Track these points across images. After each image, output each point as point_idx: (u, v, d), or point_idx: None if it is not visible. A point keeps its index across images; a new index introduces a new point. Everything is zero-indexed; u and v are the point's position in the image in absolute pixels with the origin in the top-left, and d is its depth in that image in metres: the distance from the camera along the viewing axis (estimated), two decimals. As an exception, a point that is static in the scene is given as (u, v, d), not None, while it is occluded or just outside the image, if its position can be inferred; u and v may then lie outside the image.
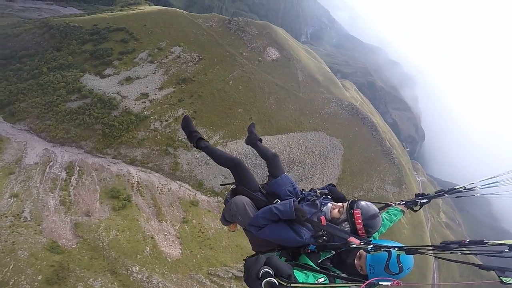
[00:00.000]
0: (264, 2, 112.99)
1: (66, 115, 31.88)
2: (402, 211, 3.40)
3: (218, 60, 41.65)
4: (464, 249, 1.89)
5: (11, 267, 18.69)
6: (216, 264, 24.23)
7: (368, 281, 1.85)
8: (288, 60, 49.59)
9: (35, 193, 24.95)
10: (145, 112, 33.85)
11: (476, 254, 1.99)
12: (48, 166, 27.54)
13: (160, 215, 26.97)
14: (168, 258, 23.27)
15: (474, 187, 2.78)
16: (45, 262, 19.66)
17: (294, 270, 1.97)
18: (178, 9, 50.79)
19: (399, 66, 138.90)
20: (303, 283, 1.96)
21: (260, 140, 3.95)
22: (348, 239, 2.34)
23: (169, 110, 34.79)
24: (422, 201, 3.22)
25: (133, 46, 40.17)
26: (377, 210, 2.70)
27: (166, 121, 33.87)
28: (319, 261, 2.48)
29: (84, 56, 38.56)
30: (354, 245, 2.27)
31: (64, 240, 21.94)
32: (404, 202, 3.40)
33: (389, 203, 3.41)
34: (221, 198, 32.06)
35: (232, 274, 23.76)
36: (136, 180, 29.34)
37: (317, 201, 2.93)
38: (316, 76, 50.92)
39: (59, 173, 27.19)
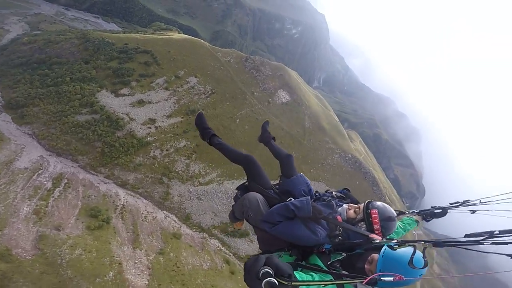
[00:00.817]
0: (283, 44, 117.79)
1: (71, 127, 31.94)
2: (416, 221, 3.40)
3: (229, 96, 42.29)
4: (496, 239, 1.79)
5: None
6: (184, 302, 22.14)
7: (370, 277, 1.80)
8: (298, 105, 50.05)
9: (12, 197, 23.89)
10: (148, 138, 33.67)
11: (508, 244, 1.82)
12: (37, 173, 26.82)
13: (136, 242, 25.50)
14: (130, 287, 21.44)
15: (490, 201, 2.74)
16: None
17: (298, 273, 1.94)
18: (202, 41, 52.98)
19: (406, 119, 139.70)
20: (303, 281, 1.88)
21: (274, 138, 3.88)
22: (370, 235, 2.32)
23: (172, 140, 34.56)
24: (436, 211, 3.24)
25: (153, 70, 41.33)
26: (394, 213, 2.65)
27: (167, 150, 33.51)
28: (329, 263, 2.38)
29: (107, 73, 39.62)
30: (377, 241, 2.24)
31: (20, 249, 20.50)
32: (418, 211, 3.44)
33: (404, 211, 3.45)
34: (206, 235, 30.54)
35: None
36: (122, 203, 28.35)
37: (333, 202, 2.87)
38: (323, 124, 50.84)
39: (45, 182, 26.38)
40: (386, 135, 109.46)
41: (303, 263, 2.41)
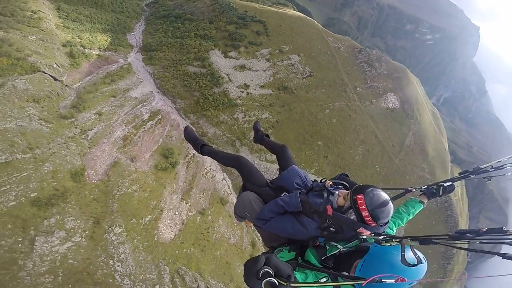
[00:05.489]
0: (408, 48, 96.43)
1: (181, 74, 34.91)
2: (421, 202, 3.00)
3: (327, 83, 36.93)
4: (482, 238, 1.68)
5: (28, 174, 17.67)
6: (191, 267, 20.79)
7: (370, 278, 1.70)
8: (406, 116, 39.91)
9: (114, 119, 25.52)
10: (237, 101, 33.43)
11: (495, 243, 1.74)
12: (142, 104, 29.39)
13: (187, 195, 25.07)
14: (156, 236, 20.77)
15: (504, 165, 2.56)
16: (55, 183, 18.47)
17: (298, 273, 1.89)
18: (316, 22, 48.08)
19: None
20: (303, 282, 1.84)
21: (267, 135, 3.76)
22: (358, 230, 2.13)
23: (257, 109, 33.21)
24: (445, 184, 2.91)
25: (262, 40, 40.32)
26: (387, 197, 2.22)
27: (249, 117, 32.48)
28: (323, 258, 2.23)
29: (224, 34, 41.20)
30: (365, 236, 2.07)
31: (93, 171, 20.89)
32: (426, 187, 3.07)
33: (410, 188, 3.14)
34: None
35: (198, 286, 19.93)
36: (194, 152, 29.04)
37: (325, 191, 2.64)
38: (427, 149, 39.74)
39: (144, 113, 28.51)
40: (493, 186, 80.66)
41: (299, 260, 2.36)
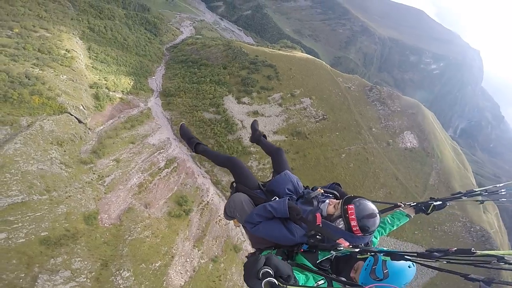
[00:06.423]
0: (416, 80, 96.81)
1: (197, 121, 35.63)
2: (408, 215, 3.06)
3: (341, 126, 36.40)
4: (450, 257, 1.73)
5: (41, 214, 17.96)
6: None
7: (369, 286, 1.76)
8: (427, 155, 38.09)
9: (132, 166, 25.87)
10: (251, 148, 33.15)
11: (462, 264, 1.75)
12: (159, 151, 29.85)
13: (199, 242, 24.51)
14: (164, 282, 20.03)
15: (497, 191, 2.60)
16: (67, 225, 18.65)
17: (294, 271, 1.84)
18: (324, 63, 49.46)
19: None
20: (302, 285, 1.88)
21: (265, 136, 3.83)
22: (337, 240, 2.11)
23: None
24: (436, 203, 2.94)
25: (273, 85, 41.36)
26: (375, 209, 2.35)
27: (263, 165, 31.81)
28: (317, 262, 2.28)
29: (237, 80, 42.76)
30: (342, 247, 2.08)
31: (106, 215, 21.08)
32: (415, 203, 3.06)
33: (399, 203, 3.10)
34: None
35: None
36: (208, 199, 28.44)
37: (315, 199, 2.70)
38: (454, 186, 37.70)
39: (161, 161, 28.91)
40: None
41: (288, 262, 2.28)
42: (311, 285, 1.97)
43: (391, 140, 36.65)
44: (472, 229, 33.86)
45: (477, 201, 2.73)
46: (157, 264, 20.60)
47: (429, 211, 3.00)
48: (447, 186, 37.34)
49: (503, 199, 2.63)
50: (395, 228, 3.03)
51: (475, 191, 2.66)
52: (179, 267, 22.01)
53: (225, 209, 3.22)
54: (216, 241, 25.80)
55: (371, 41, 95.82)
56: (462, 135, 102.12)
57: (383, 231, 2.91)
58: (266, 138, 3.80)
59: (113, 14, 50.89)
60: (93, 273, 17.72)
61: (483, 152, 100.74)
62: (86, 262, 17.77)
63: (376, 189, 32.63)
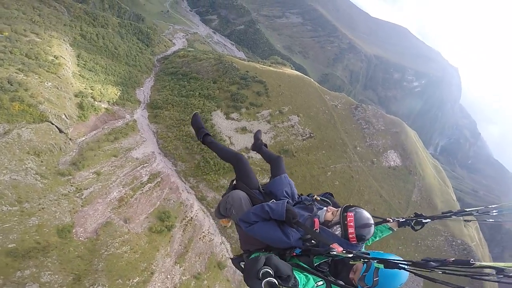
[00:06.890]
0: (399, 97, 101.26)
1: (183, 135, 35.10)
2: (390, 228, 3.12)
3: (327, 144, 37.06)
4: (446, 268, 1.67)
5: (10, 225, 17.38)
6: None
7: None
8: (409, 173, 39.23)
9: (112, 180, 25.15)
10: (238, 165, 32.87)
11: (459, 275, 1.69)
12: (142, 165, 28.91)
13: (181, 258, 23.61)
14: None
15: (487, 212, 2.62)
16: (37, 237, 18.00)
17: (294, 271, 1.85)
18: (312, 80, 50.82)
19: None
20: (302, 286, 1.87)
21: (266, 145, 3.93)
22: (331, 245, 2.14)
23: (258, 173, 32.42)
24: (424, 221, 2.92)
25: (262, 101, 41.79)
26: (371, 219, 2.45)
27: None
28: (315, 265, 2.26)
29: (226, 95, 42.78)
30: (335, 252, 2.09)
31: (82, 229, 20.40)
32: (404, 219, 3.04)
33: (388, 218, 3.11)
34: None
35: None
36: (192, 215, 27.64)
37: (313, 206, 2.75)
38: (436, 202, 38.89)
39: (143, 175, 27.99)
40: (510, 225, 75.27)
41: (293, 263, 2.31)
42: (311, 286, 1.98)
43: (375, 159, 37.61)
44: (454, 243, 34.77)
45: (465, 220, 2.79)
46: (135, 280, 19.86)
47: (417, 228, 3.05)
48: (429, 202, 38.50)
49: (490, 220, 2.67)
50: (377, 239, 3.14)
51: (466, 211, 2.71)
52: (159, 284, 21.20)
53: (218, 205, 3.17)
54: (199, 258, 25.05)
55: (357, 59, 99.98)
56: (442, 152, 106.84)
57: (367, 241, 2.98)
58: (267, 147, 3.90)
59: (107, 22, 50.35)
60: (64, 287, 17.06)
61: (462, 168, 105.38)
62: (57, 276, 17.13)
63: (361, 206, 33.08)
